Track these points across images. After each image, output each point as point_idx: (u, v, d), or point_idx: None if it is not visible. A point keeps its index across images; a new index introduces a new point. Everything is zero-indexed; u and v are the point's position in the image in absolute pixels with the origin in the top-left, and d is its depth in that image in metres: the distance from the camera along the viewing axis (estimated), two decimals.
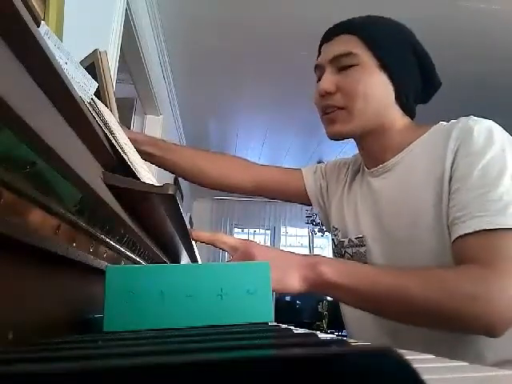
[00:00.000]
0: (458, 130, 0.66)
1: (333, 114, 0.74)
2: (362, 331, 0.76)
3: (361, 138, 0.77)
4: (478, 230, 0.57)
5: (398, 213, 0.71)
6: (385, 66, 0.72)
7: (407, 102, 0.75)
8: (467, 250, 0.58)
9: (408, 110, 0.76)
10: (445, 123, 0.72)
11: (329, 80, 0.73)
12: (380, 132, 0.74)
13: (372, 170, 0.78)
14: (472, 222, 0.58)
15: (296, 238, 6.28)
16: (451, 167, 0.64)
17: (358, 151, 0.85)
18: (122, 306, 0.37)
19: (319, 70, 0.77)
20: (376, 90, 0.72)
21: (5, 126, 0.22)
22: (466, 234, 0.59)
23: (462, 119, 0.68)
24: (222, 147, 4.40)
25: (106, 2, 1.59)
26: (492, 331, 0.55)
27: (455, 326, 0.57)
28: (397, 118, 0.75)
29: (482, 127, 0.64)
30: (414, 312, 0.57)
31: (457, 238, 0.60)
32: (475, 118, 0.67)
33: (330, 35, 0.76)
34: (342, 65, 0.73)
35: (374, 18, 0.76)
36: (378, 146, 0.76)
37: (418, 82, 0.76)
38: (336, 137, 0.75)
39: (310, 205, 0.94)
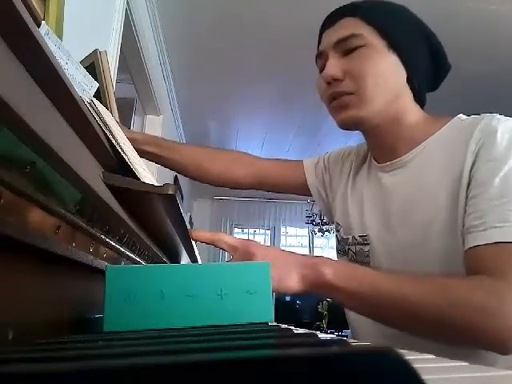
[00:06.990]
0: (480, 130, 0.61)
1: (342, 98, 0.67)
2: (364, 332, 0.74)
3: (372, 129, 0.70)
4: (496, 241, 0.54)
5: (408, 213, 0.67)
6: (394, 47, 0.66)
7: (419, 86, 0.70)
8: (483, 261, 0.55)
9: (419, 95, 0.71)
10: (464, 117, 0.67)
11: (334, 65, 0.67)
12: (393, 122, 0.69)
13: (382, 164, 0.73)
14: (491, 232, 0.55)
15: (296, 238, 6.29)
16: (470, 170, 0.60)
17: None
18: (121, 305, 0.37)
19: (322, 58, 0.71)
20: (386, 70, 0.66)
21: (5, 126, 0.22)
22: (483, 245, 0.55)
23: (486, 117, 0.63)
24: (221, 147, 4.40)
25: (106, 2, 1.59)
26: (502, 348, 0.51)
27: (461, 338, 0.53)
28: (409, 105, 0.70)
29: (507, 129, 0.59)
30: (415, 321, 0.54)
31: (472, 247, 0.56)
32: (499, 116, 0.62)
33: (332, 20, 0.70)
34: (348, 47, 0.66)
35: (377, 0, 0.71)
36: (390, 139, 0.70)
37: (429, 63, 0.70)
38: (348, 124, 0.69)
39: (312, 196, 0.91)
